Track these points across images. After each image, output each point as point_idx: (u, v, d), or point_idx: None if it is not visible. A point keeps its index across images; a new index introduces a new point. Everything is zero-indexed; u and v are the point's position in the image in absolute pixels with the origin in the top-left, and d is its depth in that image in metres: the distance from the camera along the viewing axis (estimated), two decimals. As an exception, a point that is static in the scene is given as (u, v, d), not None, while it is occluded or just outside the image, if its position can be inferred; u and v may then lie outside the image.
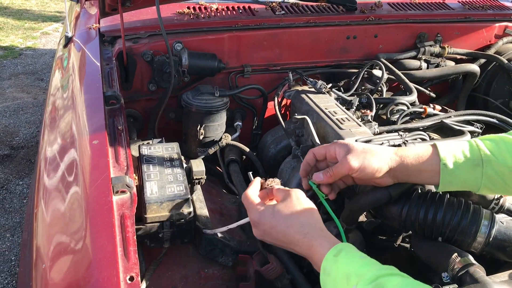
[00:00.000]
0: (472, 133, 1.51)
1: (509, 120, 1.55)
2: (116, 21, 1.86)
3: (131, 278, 0.90)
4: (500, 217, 1.11)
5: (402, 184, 1.13)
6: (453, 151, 1.02)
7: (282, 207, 0.99)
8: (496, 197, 1.17)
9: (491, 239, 1.07)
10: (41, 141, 1.48)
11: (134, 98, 1.80)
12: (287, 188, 1.05)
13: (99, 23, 1.87)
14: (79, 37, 1.87)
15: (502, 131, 1.56)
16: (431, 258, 1.13)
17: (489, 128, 1.57)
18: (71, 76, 1.63)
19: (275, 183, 1.10)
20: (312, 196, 1.12)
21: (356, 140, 1.36)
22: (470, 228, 1.07)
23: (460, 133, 1.44)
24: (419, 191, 1.14)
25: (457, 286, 0.98)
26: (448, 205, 1.09)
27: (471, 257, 1.05)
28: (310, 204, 1.01)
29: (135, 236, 1.02)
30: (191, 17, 1.92)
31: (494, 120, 1.56)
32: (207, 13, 1.96)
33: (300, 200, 1.00)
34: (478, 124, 1.54)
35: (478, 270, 1.01)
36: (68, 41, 1.90)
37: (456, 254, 1.04)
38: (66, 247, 1.02)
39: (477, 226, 1.06)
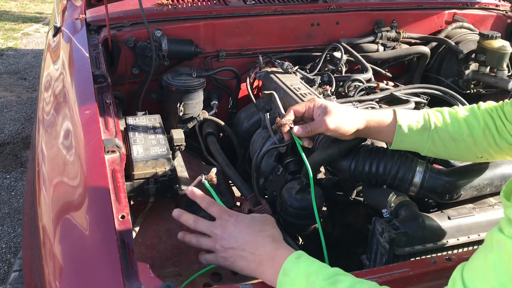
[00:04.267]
0: (419, 104, 1.73)
1: (448, 91, 1.78)
2: (101, 12, 2.04)
3: (123, 217, 1.09)
4: (433, 166, 1.33)
5: (350, 140, 1.34)
6: (408, 117, 1.22)
7: (258, 216, 1.10)
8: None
9: (424, 183, 1.28)
10: (38, 115, 1.65)
11: (119, 82, 1.98)
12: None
13: (85, 14, 2.05)
14: (67, 27, 2.05)
15: (444, 100, 1.78)
16: (377, 202, 1.34)
17: (433, 100, 1.79)
18: (62, 60, 1.81)
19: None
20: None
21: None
22: (407, 175, 1.28)
23: (406, 102, 1.66)
24: (365, 147, 1.35)
25: (393, 218, 1.19)
26: (389, 157, 1.30)
27: (406, 196, 1.26)
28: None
29: (125, 186, 1.21)
30: (170, 7, 2.11)
31: (437, 92, 1.78)
32: (184, 3, 2.16)
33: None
34: (424, 96, 1.77)
35: (411, 206, 1.22)
36: (57, 31, 2.07)
37: (393, 193, 1.25)
38: (69, 199, 1.20)
39: (413, 174, 1.27)
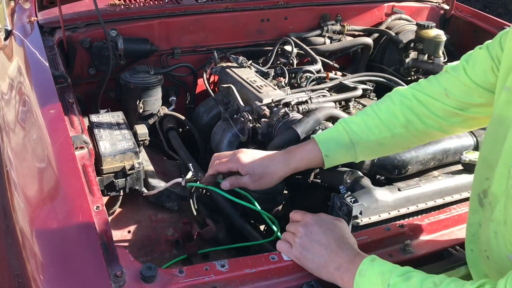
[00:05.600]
0: (365, 90, 1.87)
1: (391, 77, 1.93)
2: (53, 13, 2.05)
3: (98, 207, 1.14)
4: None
5: (308, 124, 1.44)
6: (329, 144, 1.22)
7: (337, 221, 1.11)
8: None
9: (375, 161, 1.41)
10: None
11: (76, 82, 2.00)
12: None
13: (36, 16, 2.05)
14: (18, 30, 2.04)
15: (388, 87, 1.93)
16: (334, 180, 1.45)
17: (378, 86, 1.94)
18: (18, 64, 1.81)
19: None
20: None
21: (272, 100, 1.67)
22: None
23: (354, 89, 1.79)
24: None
25: (350, 193, 1.31)
26: None
27: (359, 173, 1.38)
28: None
29: (96, 179, 1.26)
30: (122, 7, 2.14)
31: (381, 79, 1.93)
32: (137, 3, 2.20)
33: None
34: (370, 83, 1.91)
35: (365, 180, 1.34)
36: (8, 34, 2.06)
37: (348, 171, 1.37)
38: (44, 196, 1.23)
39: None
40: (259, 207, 1.34)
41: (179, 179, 1.36)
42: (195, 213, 1.47)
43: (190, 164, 1.38)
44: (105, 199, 1.45)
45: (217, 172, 1.28)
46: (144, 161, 1.64)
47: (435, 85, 1.15)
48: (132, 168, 1.42)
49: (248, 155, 1.25)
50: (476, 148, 1.47)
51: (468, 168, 1.38)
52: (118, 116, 1.59)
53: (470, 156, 1.37)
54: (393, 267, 0.94)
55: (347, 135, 1.22)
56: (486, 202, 0.98)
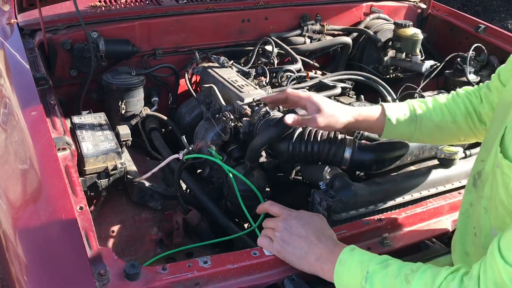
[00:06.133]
0: (344, 89, 1.90)
1: (370, 76, 1.97)
2: (33, 16, 2.05)
3: (81, 208, 1.16)
4: (362, 142, 1.49)
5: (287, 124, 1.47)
6: (395, 110, 1.29)
7: (315, 214, 1.16)
8: (357, 128, 1.55)
9: (354, 158, 1.44)
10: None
11: (58, 84, 2.00)
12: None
13: (16, 19, 2.05)
14: (-2, 32, 2.03)
15: (367, 85, 1.97)
16: (314, 177, 1.48)
17: (357, 84, 1.98)
18: (-2, 66, 1.81)
19: None
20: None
21: (253, 99, 1.69)
22: (337, 152, 1.43)
23: (333, 87, 1.83)
24: (299, 131, 1.48)
25: (329, 188, 1.34)
26: (321, 138, 1.45)
27: (339, 169, 1.41)
28: None
29: (79, 180, 1.27)
30: (103, 9, 2.15)
31: (360, 78, 1.97)
32: (118, 5, 2.21)
33: None
34: (349, 82, 1.94)
35: (344, 177, 1.38)
36: (-13, 36, 2.05)
37: (327, 167, 1.40)
38: (27, 197, 1.24)
39: (343, 150, 1.42)
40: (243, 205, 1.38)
41: (176, 155, 1.40)
42: (184, 188, 1.49)
43: (183, 137, 1.43)
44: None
45: (285, 96, 1.37)
46: (127, 162, 1.65)
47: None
48: (115, 168, 1.43)
49: (319, 96, 1.33)
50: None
51: (444, 162, 1.43)
52: (100, 117, 1.61)
53: (446, 151, 1.41)
54: (372, 256, 0.98)
55: (414, 110, 1.29)
56: (479, 181, 1.02)
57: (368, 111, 1.31)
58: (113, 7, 2.17)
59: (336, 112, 1.28)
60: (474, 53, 2.15)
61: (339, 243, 1.06)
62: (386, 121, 1.28)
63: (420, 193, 1.38)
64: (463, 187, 1.42)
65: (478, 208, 1.00)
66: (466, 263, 1.04)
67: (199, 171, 1.86)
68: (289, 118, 1.31)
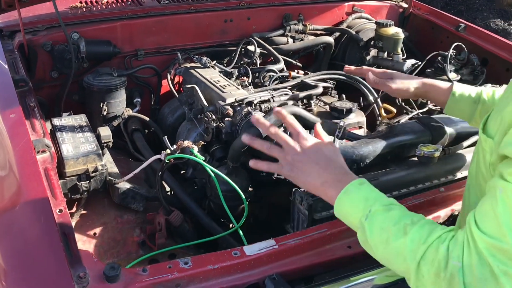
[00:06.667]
0: (326, 88, 1.91)
1: (351, 75, 1.98)
2: (12, 17, 2.03)
3: (60, 210, 1.15)
4: (342, 141, 1.50)
5: (270, 122, 1.47)
6: (462, 88, 1.37)
7: (330, 145, 1.17)
8: (339, 127, 1.56)
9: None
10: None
11: (38, 86, 1.98)
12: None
13: (-5, 20, 2.03)
14: (-25, 34, 2.01)
15: (349, 84, 1.99)
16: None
17: (339, 83, 1.99)
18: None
19: None
20: None
21: (235, 99, 1.69)
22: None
23: (315, 87, 1.83)
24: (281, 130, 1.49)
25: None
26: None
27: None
28: None
29: (59, 182, 1.26)
30: (84, 10, 2.14)
31: (342, 77, 1.98)
32: (99, 5, 2.19)
33: None
34: (330, 81, 1.95)
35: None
36: (-36, 38, 2.02)
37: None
38: (6, 201, 1.23)
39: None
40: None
41: (158, 156, 1.41)
42: (167, 189, 1.49)
43: (165, 137, 1.44)
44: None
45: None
46: (108, 163, 1.64)
47: None
48: (96, 170, 1.43)
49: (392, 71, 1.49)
50: (431, 141, 1.53)
51: (423, 160, 1.44)
52: (80, 119, 1.60)
53: (425, 149, 1.43)
54: (378, 196, 1.00)
55: (480, 93, 1.35)
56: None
57: (438, 82, 1.42)
58: (94, 8, 2.16)
59: (408, 78, 1.45)
60: (454, 52, 2.17)
61: (349, 174, 1.09)
62: (450, 95, 1.36)
63: (400, 191, 1.39)
64: (442, 184, 1.44)
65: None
66: None
67: (182, 171, 1.86)
68: (371, 75, 1.46)
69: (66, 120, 1.58)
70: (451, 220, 1.30)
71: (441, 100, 1.41)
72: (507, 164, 0.80)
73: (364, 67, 1.55)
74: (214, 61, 2.08)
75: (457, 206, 1.32)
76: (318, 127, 1.21)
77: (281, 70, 2.09)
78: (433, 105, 1.93)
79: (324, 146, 1.13)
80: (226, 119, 1.62)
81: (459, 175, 1.48)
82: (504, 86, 1.91)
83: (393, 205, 0.98)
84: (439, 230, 0.89)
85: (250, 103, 1.67)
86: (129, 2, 2.25)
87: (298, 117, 1.58)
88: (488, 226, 0.80)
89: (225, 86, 1.82)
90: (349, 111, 1.71)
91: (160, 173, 1.47)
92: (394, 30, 2.28)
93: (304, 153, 1.11)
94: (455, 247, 0.83)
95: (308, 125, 1.58)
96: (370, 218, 0.96)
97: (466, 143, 1.53)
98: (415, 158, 1.48)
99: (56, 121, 1.56)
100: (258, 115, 1.27)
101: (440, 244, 0.85)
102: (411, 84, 1.42)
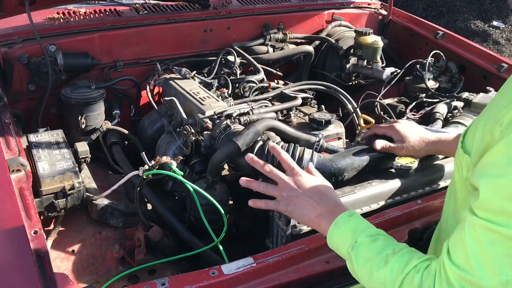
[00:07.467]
0: (305, 99, 1.92)
1: (330, 85, 2.00)
2: (-13, 29, 2.00)
3: (35, 232, 1.14)
4: (319, 154, 1.50)
5: (248, 136, 1.47)
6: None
7: (322, 178, 1.25)
8: (317, 140, 1.57)
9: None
10: None
11: (15, 99, 1.96)
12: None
13: (-31, 33, 1.99)
14: (-50, 46, 1.97)
15: (329, 94, 2.00)
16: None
17: (319, 93, 2.00)
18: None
19: None
20: None
21: (215, 112, 1.69)
22: (297, 164, 1.43)
23: (294, 98, 1.84)
24: (258, 142, 1.49)
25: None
26: (282, 149, 1.45)
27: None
28: None
29: (34, 202, 1.24)
30: (62, 21, 2.11)
31: (321, 87, 1.99)
32: (77, 17, 2.17)
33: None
34: (310, 91, 1.96)
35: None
36: None
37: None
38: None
39: (301, 161, 1.44)
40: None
41: (136, 172, 1.41)
42: (148, 207, 1.48)
43: (143, 153, 1.44)
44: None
45: (373, 133, 1.53)
46: (86, 179, 1.63)
47: None
48: (73, 188, 1.41)
49: (402, 125, 1.47)
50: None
51: (401, 173, 1.45)
52: (57, 135, 1.58)
53: (402, 161, 1.44)
54: (366, 227, 1.04)
55: None
56: None
57: (443, 135, 1.44)
58: (71, 19, 2.13)
59: (419, 140, 1.44)
60: (433, 59, 2.20)
61: (340, 205, 1.13)
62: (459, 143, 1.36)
63: (378, 204, 1.40)
64: (419, 196, 1.45)
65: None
66: (437, 248, 1.11)
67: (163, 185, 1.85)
68: (379, 144, 1.45)
69: (43, 136, 1.56)
70: (428, 233, 1.31)
71: (454, 151, 1.40)
72: (476, 197, 0.81)
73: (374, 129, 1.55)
74: (194, 72, 2.07)
75: (434, 218, 1.33)
76: (311, 166, 1.27)
77: (261, 81, 2.09)
78: (412, 115, 1.94)
79: (317, 180, 1.20)
80: (205, 132, 1.62)
81: (439, 184, 1.50)
82: (481, 94, 1.94)
83: (379, 235, 1.01)
84: (415, 259, 0.91)
85: (229, 116, 1.66)
86: (107, 13, 2.23)
87: (277, 131, 1.59)
88: (458, 258, 0.82)
89: (205, 98, 1.81)
90: (328, 122, 1.72)
91: (138, 189, 1.46)
92: (373, 39, 2.29)
93: (299, 188, 1.17)
94: (427, 277, 0.85)
95: (288, 139, 1.58)
96: (356, 248, 0.99)
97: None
98: (393, 170, 1.50)
99: (32, 138, 1.54)
100: (272, 144, 1.34)
101: (416, 274, 0.87)
102: (420, 151, 1.45)
